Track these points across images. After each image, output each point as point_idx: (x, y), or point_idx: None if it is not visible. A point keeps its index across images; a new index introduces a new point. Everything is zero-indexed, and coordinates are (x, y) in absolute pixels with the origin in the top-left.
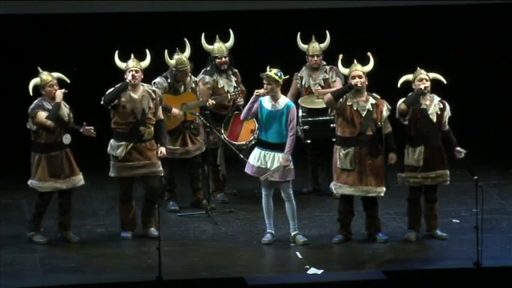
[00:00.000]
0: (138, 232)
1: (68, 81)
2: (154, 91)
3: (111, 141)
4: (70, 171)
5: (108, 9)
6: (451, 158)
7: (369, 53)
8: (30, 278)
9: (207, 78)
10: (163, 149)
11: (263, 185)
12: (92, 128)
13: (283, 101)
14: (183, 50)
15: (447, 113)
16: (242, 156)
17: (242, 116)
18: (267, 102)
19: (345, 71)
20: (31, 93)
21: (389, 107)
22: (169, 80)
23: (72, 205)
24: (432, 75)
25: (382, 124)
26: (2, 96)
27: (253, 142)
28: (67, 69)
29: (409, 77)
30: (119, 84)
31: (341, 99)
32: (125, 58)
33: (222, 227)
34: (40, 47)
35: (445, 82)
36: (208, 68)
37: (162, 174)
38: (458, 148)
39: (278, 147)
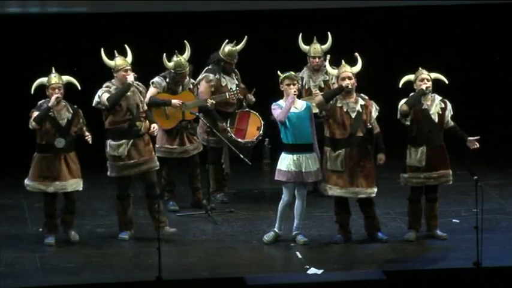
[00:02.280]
0: (136, 233)
1: (79, 87)
2: (138, 84)
3: (109, 141)
4: (60, 176)
5: (106, 10)
6: (451, 158)
7: (356, 54)
8: (30, 278)
9: (211, 77)
10: (155, 125)
11: (289, 189)
12: (89, 135)
13: (301, 101)
14: (182, 52)
15: (449, 112)
16: (243, 157)
17: (281, 118)
18: None
19: (333, 72)
20: (32, 92)
21: (377, 107)
22: (167, 80)
23: (77, 208)
24: (434, 75)
25: (372, 125)
26: (2, 96)
27: (259, 139)
28: (67, 69)
29: (411, 77)
30: (122, 87)
31: (331, 101)
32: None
33: (222, 227)
34: (39, 47)
35: (446, 82)
36: (210, 67)
37: (162, 173)
38: (470, 138)
39: (309, 148)
